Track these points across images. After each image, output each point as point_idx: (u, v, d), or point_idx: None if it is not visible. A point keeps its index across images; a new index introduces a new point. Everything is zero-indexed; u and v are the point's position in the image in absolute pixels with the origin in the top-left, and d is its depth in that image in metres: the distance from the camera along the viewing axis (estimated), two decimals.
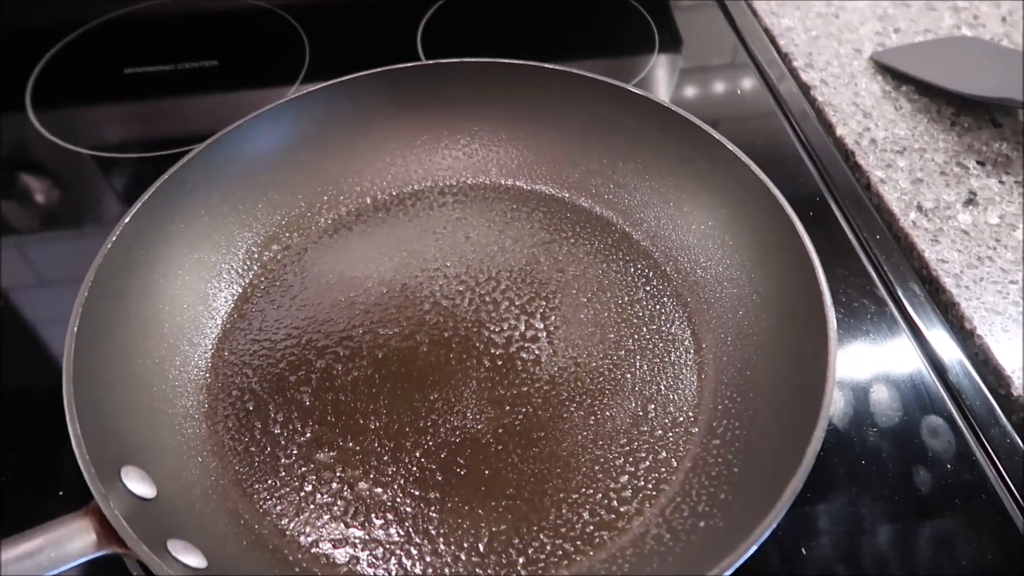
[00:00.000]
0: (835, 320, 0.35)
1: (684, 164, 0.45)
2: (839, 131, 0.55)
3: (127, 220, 0.40)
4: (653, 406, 0.39)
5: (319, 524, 0.36)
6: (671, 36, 0.65)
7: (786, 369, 0.37)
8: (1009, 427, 0.39)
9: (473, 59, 0.48)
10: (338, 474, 0.37)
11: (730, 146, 0.42)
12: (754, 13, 0.66)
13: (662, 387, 0.40)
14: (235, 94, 0.62)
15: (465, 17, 0.67)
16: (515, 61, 0.48)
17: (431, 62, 0.49)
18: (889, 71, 0.59)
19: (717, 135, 0.42)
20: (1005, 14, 0.65)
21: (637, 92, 0.45)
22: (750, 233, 0.42)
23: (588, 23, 0.67)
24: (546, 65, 0.47)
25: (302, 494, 0.37)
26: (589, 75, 0.46)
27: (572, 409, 0.39)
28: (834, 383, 0.33)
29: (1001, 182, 0.51)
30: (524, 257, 0.46)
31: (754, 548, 0.29)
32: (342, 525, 0.35)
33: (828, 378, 0.33)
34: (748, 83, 0.60)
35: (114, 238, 0.39)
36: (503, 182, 0.50)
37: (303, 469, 0.37)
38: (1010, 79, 0.53)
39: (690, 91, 0.61)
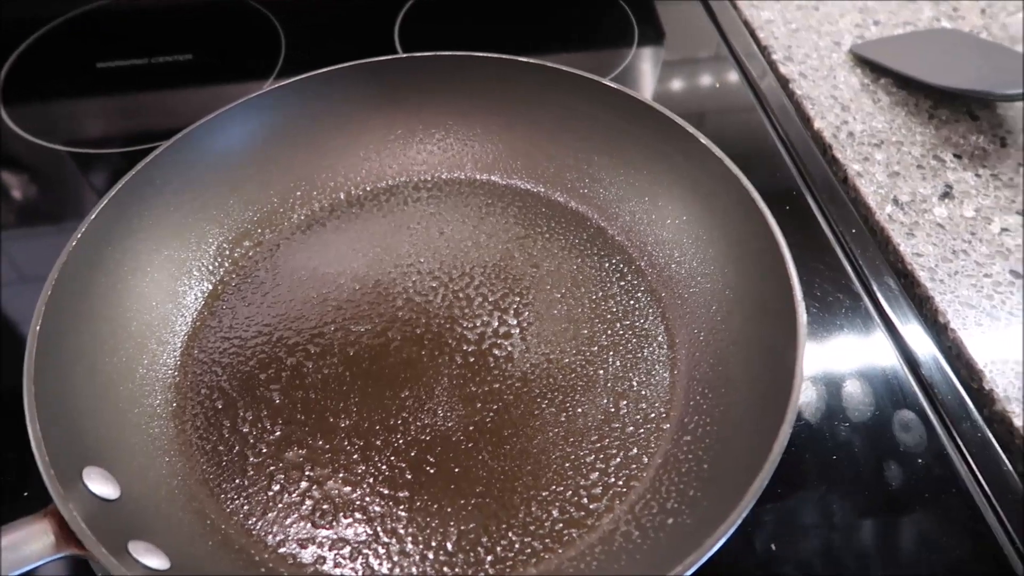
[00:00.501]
0: (805, 315, 0.35)
1: (658, 158, 0.44)
2: (817, 124, 0.55)
3: (92, 217, 0.39)
4: (625, 402, 0.39)
5: (286, 523, 0.35)
6: (651, 29, 0.64)
7: (758, 364, 0.37)
8: (980, 421, 0.39)
9: (448, 52, 0.48)
10: (307, 473, 0.37)
11: (704, 140, 0.41)
12: (734, 6, 0.66)
13: (634, 383, 0.40)
14: (210, 88, 0.61)
15: (443, 11, 0.66)
16: (490, 55, 0.48)
17: (405, 56, 0.48)
18: (868, 64, 0.59)
19: (691, 129, 0.42)
20: (984, 6, 0.64)
21: (611, 86, 0.45)
22: (723, 228, 0.41)
23: (568, 16, 0.67)
24: (520, 59, 0.47)
25: (270, 493, 0.36)
26: (563, 68, 0.46)
27: (544, 406, 0.39)
28: (802, 379, 0.33)
29: (977, 175, 0.51)
30: (498, 252, 0.46)
31: (718, 546, 0.28)
32: (309, 524, 0.35)
33: (796, 374, 0.32)
34: (727, 77, 0.60)
35: (79, 236, 0.38)
36: (478, 177, 0.50)
37: (271, 468, 0.37)
38: (987, 72, 0.53)
39: (669, 84, 0.61)
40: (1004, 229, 0.47)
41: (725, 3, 0.66)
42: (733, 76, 0.60)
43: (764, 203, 0.39)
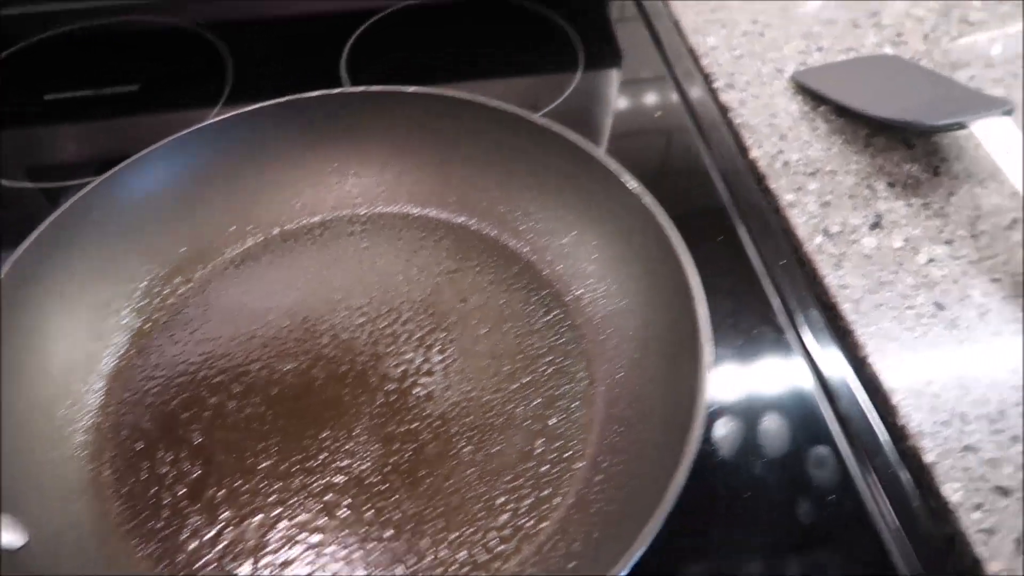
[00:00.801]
0: (711, 356, 0.35)
1: (581, 193, 0.45)
2: (753, 153, 0.55)
3: (15, 257, 0.40)
4: (542, 440, 0.39)
5: (198, 566, 0.35)
6: (597, 55, 0.65)
7: (671, 403, 0.37)
8: (894, 456, 0.39)
9: (378, 88, 0.48)
10: (222, 515, 0.37)
11: (622, 176, 0.42)
12: (680, 32, 0.66)
13: (552, 421, 0.40)
14: (157, 117, 0.62)
15: (391, 38, 0.67)
16: (419, 90, 0.48)
17: (336, 92, 0.49)
18: (807, 91, 0.59)
19: (611, 165, 0.42)
20: (928, 31, 0.65)
21: (534, 120, 0.45)
22: (641, 262, 0.42)
23: (515, 42, 0.67)
24: (448, 93, 0.47)
25: (184, 536, 0.36)
26: (489, 103, 0.46)
27: (461, 445, 0.39)
28: (703, 419, 0.33)
29: (909, 204, 0.51)
30: (428, 287, 0.46)
31: None
32: (221, 567, 0.35)
33: (696, 417, 0.33)
34: (669, 104, 0.60)
35: (1, 276, 0.39)
36: (412, 211, 0.50)
37: (187, 510, 0.37)
38: (918, 101, 0.53)
39: (612, 112, 0.61)
40: (931, 259, 0.48)
41: (671, 29, 0.67)
42: (675, 104, 0.60)
43: (682, 241, 0.39)
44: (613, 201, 0.43)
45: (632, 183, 0.42)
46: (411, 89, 0.47)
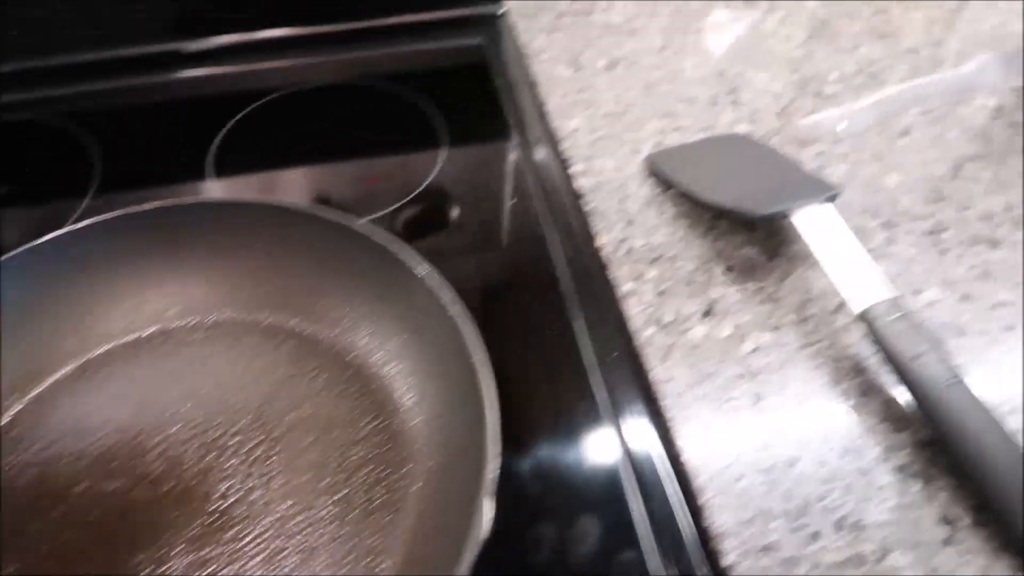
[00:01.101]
0: (495, 467, 0.36)
1: (400, 297, 0.46)
2: (600, 240, 0.56)
3: None
4: (353, 556, 0.40)
5: None
6: (457, 137, 0.66)
7: (466, 513, 0.38)
8: (698, 557, 0.40)
9: (208, 199, 0.50)
10: None
11: (433, 287, 0.43)
12: (543, 115, 0.68)
13: (365, 535, 0.41)
14: (26, 213, 0.62)
15: (264, 127, 0.68)
16: (248, 200, 0.50)
17: (170, 203, 0.50)
18: (657, 174, 0.61)
19: (421, 272, 0.43)
20: (783, 107, 0.67)
21: (348, 224, 0.47)
22: (449, 369, 0.43)
23: (379, 124, 0.69)
24: (273, 202, 0.49)
25: None
26: (308, 209, 0.48)
27: (275, 567, 0.40)
28: (481, 535, 0.33)
29: (743, 289, 0.52)
30: (262, 396, 0.47)
31: None
32: None
33: (471, 535, 0.33)
34: (524, 189, 0.62)
35: None
36: (252, 317, 0.51)
37: None
38: (754, 187, 0.55)
39: (468, 200, 0.63)
40: (756, 348, 0.49)
41: (533, 111, 0.68)
42: (530, 189, 0.62)
43: (480, 349, 0.40)
44: (427, 310, 0.44)
45: (446, 295, 0.43)
46: (238, 200, 0.49)
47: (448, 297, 0.42)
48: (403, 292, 0.46)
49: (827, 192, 0.52)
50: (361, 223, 0.47)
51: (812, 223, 0.50)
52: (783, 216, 0.51)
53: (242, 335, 0.50)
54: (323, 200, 0.61)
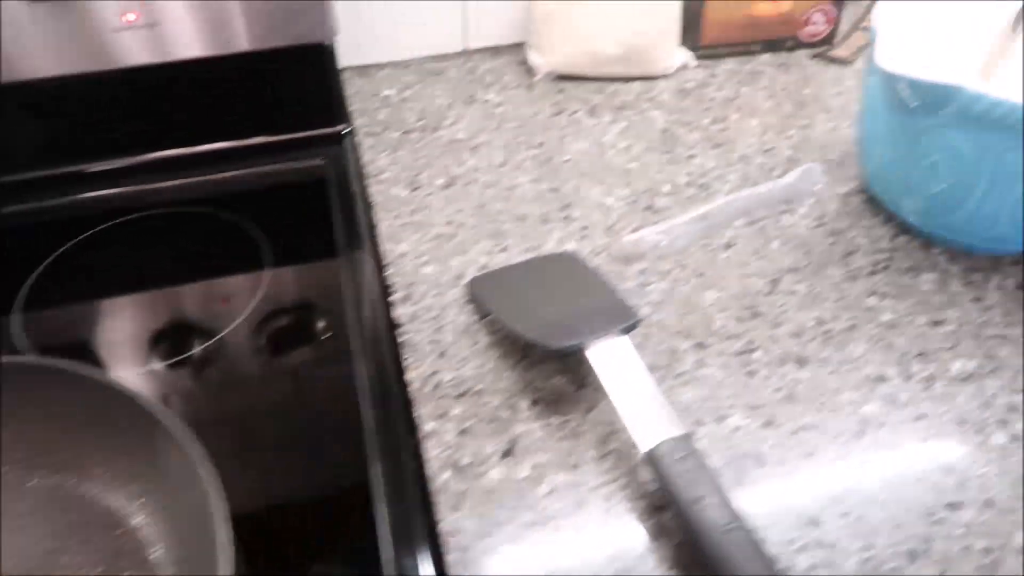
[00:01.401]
0: None
1: (156, 455, 0.44)
2: (410, 374, 0.55)
3: None
4: None
5: None
6: (281, 260, 0.65)
7: None
8: None
9: None
10: None
11: (174, 432, 0.41)
12: (374, 239, 0.67)
13: None
14: None
15: (88, 257, 0.67)
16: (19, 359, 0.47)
17: None
18: (475, 300, 0.60)
19: (177, 433, 0.42)
20: (612, 222, 0.67)
21: (101, 380, 0.45)
22: (197, 535, 0.40)
23: (217, 250, 0.68)
24: (44, 362, 0.47)
25: None
26: (66, 368, 0.46)
27: None
28: None
29: (547, 424, 0.51)
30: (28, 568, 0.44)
31: None
32: None
33: None
34: (340, 317, 0.60)
35: None
36: (18, 478, 0.48)
37: None
38: (559, 316, 0.54)
39: (290, 335, 0.61)
40: (552, 490, 0.48)
41: (364, 236, 0.68)
42: (350, 319, 0.60)
43: (224, 521, 0.38)
44: (182, 470, 0.42)
45: (195, 450, 0.41)
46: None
47: (198, 456, 0.40)
48: (156, 448, 0.44)
49: (626, 322, 0.52)
50: (110, 375, 0.45)
51: (605, 357, 0.50)
52: (578, 349, 0.50)
53: (16, 500, 0.47)
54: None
